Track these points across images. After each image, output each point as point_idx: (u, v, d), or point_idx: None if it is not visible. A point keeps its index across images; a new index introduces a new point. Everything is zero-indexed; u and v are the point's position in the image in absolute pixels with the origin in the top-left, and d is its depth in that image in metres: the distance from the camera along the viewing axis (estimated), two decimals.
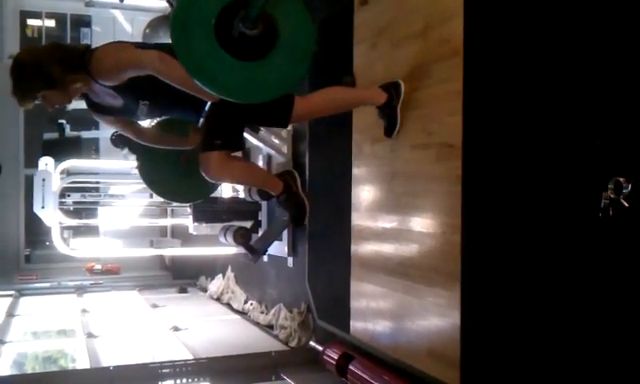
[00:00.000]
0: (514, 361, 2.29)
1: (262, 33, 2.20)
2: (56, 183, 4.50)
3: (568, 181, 2.08)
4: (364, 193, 3.29)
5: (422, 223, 2.76)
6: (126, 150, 4.47)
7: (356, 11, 3.37)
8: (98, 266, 7.68)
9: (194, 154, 3.17)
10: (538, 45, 2.20)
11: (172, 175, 3.36)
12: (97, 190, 7.46)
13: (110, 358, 3.91)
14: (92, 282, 7.07)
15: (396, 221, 2.96)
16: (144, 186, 6.68)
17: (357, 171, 3.36)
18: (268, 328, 4.63)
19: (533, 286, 2.22)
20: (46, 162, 4.92)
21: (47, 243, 8.23)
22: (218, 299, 5.96)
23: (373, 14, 3.23)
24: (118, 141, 4.47)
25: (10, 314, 5.23)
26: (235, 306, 5.50)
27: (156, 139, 3.14)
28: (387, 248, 3.03)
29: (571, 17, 2.07)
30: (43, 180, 4.34)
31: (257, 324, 4.84)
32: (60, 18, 9.12)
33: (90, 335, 4.39)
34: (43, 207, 4.35)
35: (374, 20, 3.22)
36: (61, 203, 5.30)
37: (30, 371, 4.39)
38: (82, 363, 3.85)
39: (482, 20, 2.45)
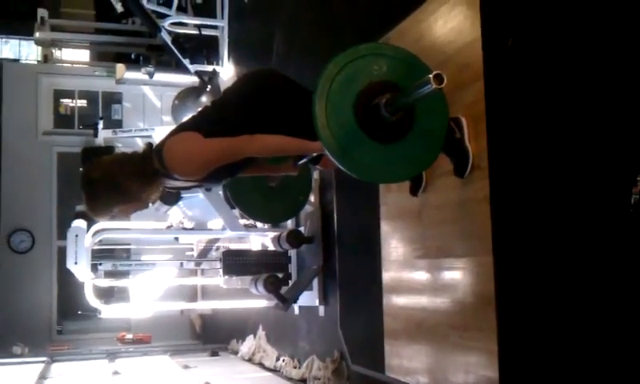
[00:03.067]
0: (554, 376, 2.23)
1: (400, 117, 2.19)
2: (89, 240, 4.59)
3: (596, 182, 2.08)
4: (393, 228, 3.29)
5: (452, 251, 2.75)
6: (157, 203, 4.52)
7: None
8: (129, 336, 7.71)
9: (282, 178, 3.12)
10: (558, 60, 2.25)
11: (259, 196, 3.38)
12: (128, 258, 7.57)
13: None
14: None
15: (427, 252, 2.95)
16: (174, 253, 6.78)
17: (385, 208, 3.38)
18: (301, 382, 4.56)
19: (572, 304, 2.18)
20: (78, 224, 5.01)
21: (79, 312, 8.29)
22: (250, 360, 5.90)
23: None
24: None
25: (43, 377, 5.24)
26: (267, 364, 5.44)
27: (250, 171, 2.71)
28: (420, 279, 3.01)
29: (593, 29, 2.12)
30: (76, 236, 4.43)
31: (290, 379, 4.76)
32: (91, 96, 9.48)
33: None
34: (76, 263, 4.41)
35: None
36: (93, 269, 5.36)
37: None
38: None
39: (500, 42, 2.51)
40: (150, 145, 2.33)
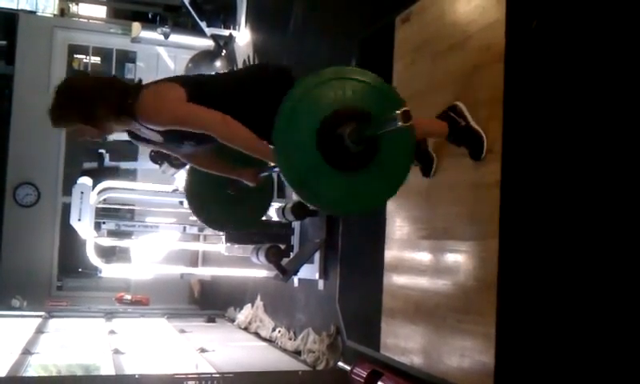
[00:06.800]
0: (550, 366, 2.20)
1: (363, 148, 2.07)
2: (93, 198, 4.58)
3: (611, 179, 2.03)
4: (399, 206, 3.25)
5: (458, 234, 2.71)
6: (165, 165, 4.51)
7: (397, 29, 3.40)
8: (128, 297, 7.73)
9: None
10: (583, 46, 2.19)
11: (219, 201, 3.18)
12: (132, 218, 7.55)
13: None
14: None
15: (432, 233, 2.92)
16: (178, 217, 6.76)
17: None
18: (296, 354, 4.56)
19: (574, 297, 2.15)
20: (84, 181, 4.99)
21: (80, 269, 8.32)
22: (246, 329, 5.91)
23: (414, 31, 3.25)
24: (157, 157, 4.52)
25: (40, 331, 5.26)
26: (263, 334, 5.44)
27: (208, 164, 2.77)
28: (422, 259, 2.98)
29: (615, 17, 2.06)
30: (82, 193, 4.41)
31: (284, 350, 4.76)
32: (105, 53, 9.43)
33: (116, 351, 4.37)
34: (80, 220, 4.40)
35: (415, 36, 3.24)
36: (96, 227, 5.36)
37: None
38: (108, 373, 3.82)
39: (524, 24, 2.45)
40: (140, 81, 2.32)
